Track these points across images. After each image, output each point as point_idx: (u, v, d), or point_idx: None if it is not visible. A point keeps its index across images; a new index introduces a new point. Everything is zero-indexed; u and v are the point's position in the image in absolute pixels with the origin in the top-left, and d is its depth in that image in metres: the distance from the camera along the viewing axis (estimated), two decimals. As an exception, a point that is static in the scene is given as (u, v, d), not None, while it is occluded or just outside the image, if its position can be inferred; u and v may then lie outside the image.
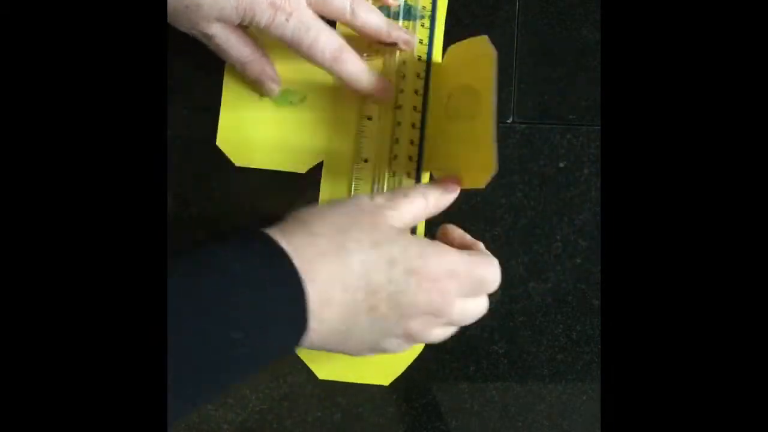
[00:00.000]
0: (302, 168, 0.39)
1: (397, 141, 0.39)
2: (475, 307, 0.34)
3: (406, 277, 0.30)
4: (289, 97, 0.39)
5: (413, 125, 0.39)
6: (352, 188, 0.39)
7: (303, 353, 0.39)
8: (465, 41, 0.37)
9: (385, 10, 0.39)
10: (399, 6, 0.39)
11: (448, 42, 0.39)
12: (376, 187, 0.39)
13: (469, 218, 0.41)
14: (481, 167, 0.34)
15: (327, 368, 0.40)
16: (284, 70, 0.39)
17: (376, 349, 0.32)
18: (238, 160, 0.39)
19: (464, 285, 0.32)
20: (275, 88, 0.38)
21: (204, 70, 0.40)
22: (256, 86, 0.38)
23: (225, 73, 0.39)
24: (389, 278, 0.30)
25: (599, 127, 0.41)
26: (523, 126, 0.41)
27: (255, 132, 0.39)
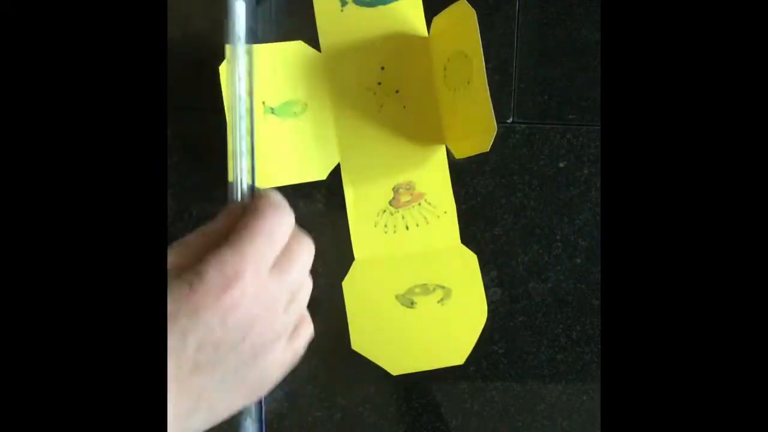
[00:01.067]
0: (322, 174, 0.39)
1: (410, 126, 0.39)
2: (301, 297, 0.31)
3: (225, 352, 0.28)
4: (291, 108, 0.39)
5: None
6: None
7: (371, 353, 0.39)
8: (445, 10, 0.37)
9: None
10: None
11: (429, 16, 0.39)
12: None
13: (469, 218, 0.41)
14: (483, 129, 0.34)
15: (399, 364, 0.40)
16: (281, 84, 0.38)
17: (267, 381, 0.31)
18: (259, 181, 0.38)
19: (267, 302, 0.29)
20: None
21: (204, 70, 0.40)
22: None
23: (224, 100, 0.38)
24: (216, 360, 0.28)
25: (599, 127, 0.41)
26: (523, 126, 0.41)
27: (266, 149, 0.38)
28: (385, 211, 0.39)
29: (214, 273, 0.27)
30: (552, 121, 0.41)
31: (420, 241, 0.39)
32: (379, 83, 0.39)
